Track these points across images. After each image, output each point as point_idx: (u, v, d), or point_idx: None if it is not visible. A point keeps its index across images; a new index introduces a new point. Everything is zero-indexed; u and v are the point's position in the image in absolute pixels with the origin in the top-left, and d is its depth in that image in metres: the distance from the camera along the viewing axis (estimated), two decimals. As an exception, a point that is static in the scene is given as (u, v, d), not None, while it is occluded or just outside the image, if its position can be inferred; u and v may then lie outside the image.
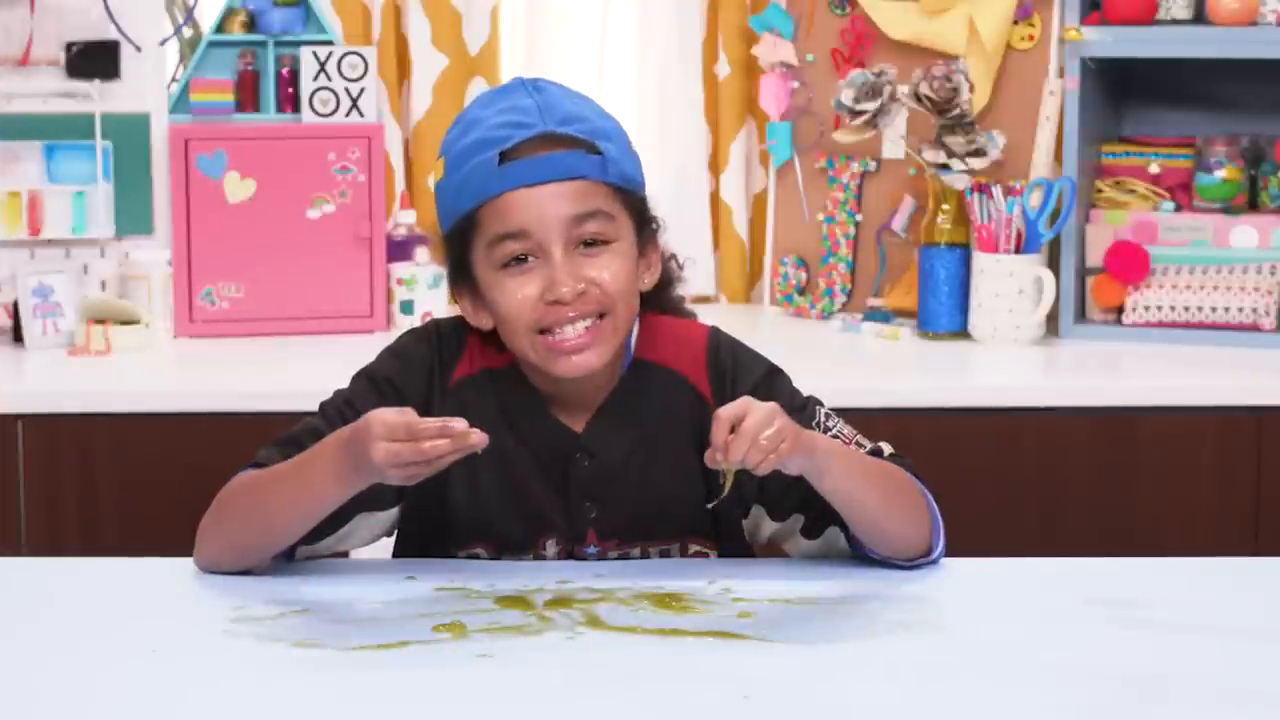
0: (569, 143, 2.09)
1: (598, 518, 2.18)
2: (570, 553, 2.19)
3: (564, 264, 2.07)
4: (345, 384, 2.21)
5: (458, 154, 2.11)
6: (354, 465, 1.99)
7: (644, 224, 2.16)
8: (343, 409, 2.16)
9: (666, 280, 2.25)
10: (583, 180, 2.08)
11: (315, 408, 2.21)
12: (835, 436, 2.15)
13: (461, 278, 2.15)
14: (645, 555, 2.19)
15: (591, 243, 2.09)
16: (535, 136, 2.08)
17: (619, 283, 2.10)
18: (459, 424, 1.94)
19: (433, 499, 2.18)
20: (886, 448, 2.18)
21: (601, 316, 2.09)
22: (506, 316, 2.10)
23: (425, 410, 2.17)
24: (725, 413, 1.96)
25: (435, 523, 2.18)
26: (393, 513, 2.19)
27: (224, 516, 2.11)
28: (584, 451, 2.17)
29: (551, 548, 2.18)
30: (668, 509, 2.18)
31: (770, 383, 2.19)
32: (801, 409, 2.18)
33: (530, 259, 2.09)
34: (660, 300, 2.24)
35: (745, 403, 1.97)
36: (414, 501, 2.19)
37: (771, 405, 1.98)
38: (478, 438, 1.94)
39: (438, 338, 2.20)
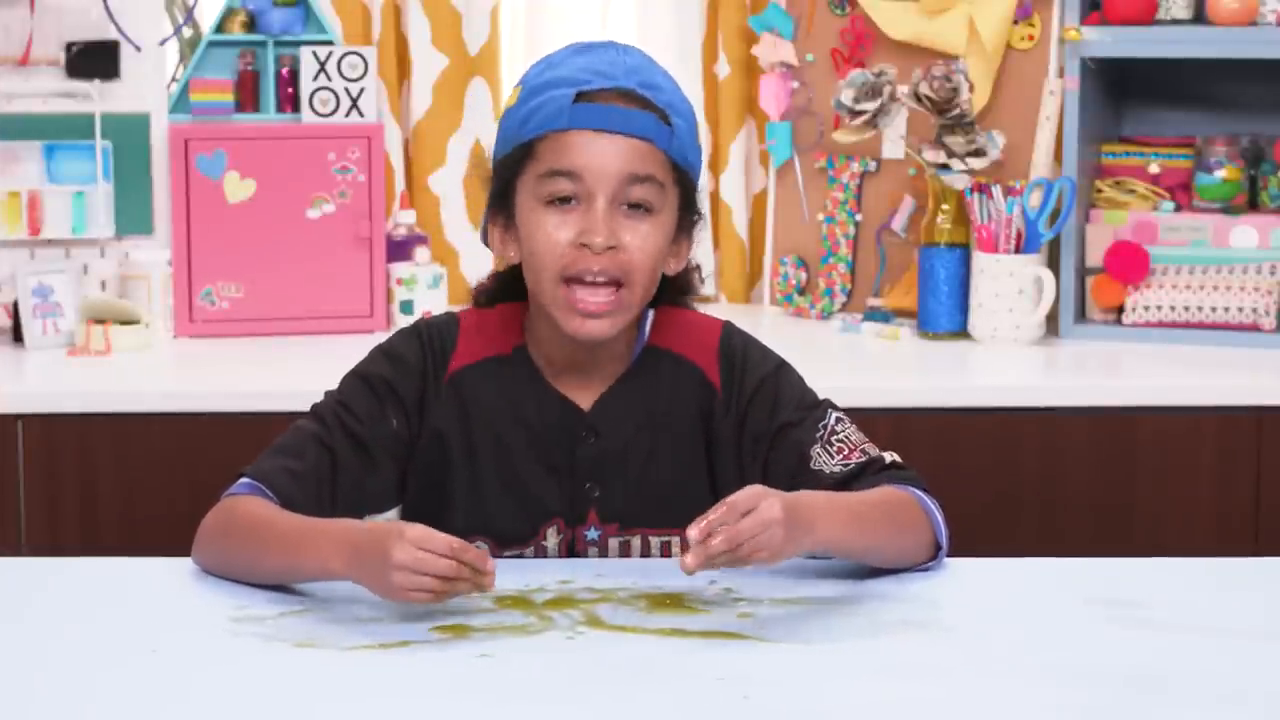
0: (645, 104, 2.11)
1: (600, 498, 2.18)
2: (571, 537, 2.19)
3: (605, 215, 2.09)
4: (343, 381, 2.22)
5: (536, 85, 2.13)
6: (358, 558, 1.94)
7: (688, 212, 2.18)
8: (338, 410, 2.17)
9: (686, 287, 2.26)
10: (648, 143, 2.10)
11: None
12: (841, 440, 2.17)
13: (500, 208, 2.17)
14: (646, 543, 2.20)
15: (636, 206, 2.11)
16: (615, 88, 2.11)
17: (647, 254, 2.11)
18: (491, 564, 1.92)
19: (433, 494, 2.18)
20: (889, 457, 2.18)
21: (620, 286, 2.10)
22: (536, 251, 2.11)
23: (420, 406, 2.17)
24: (737, 500, 1.91)
25: (435, 519, 2.17)
26: (393, 513, 2.20)
27: (224, 546, 2.09)
28: (589, 429, 2.18)
29: (552, 538, 2.19)
30: (670, 495, 2.19)
31: (779, 377, 2.21)
32: (812, 407, 2.19)
33: (574, 201, 2.10)
34: (675, 303, 2.26)
35: (753, 497, 1.93)
36: (413, 497, 2.19)
37: (773, 516, 1.92)
38: (490, 582, 1.92)
39: (427, 334, 2.21)
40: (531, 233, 2.12)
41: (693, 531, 1.89)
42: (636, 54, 2.17)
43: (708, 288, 3.88)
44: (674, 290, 2.24)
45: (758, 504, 1.91)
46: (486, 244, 2.21)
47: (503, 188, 2.16)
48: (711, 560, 1.90)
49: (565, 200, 2.10)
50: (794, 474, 2.15)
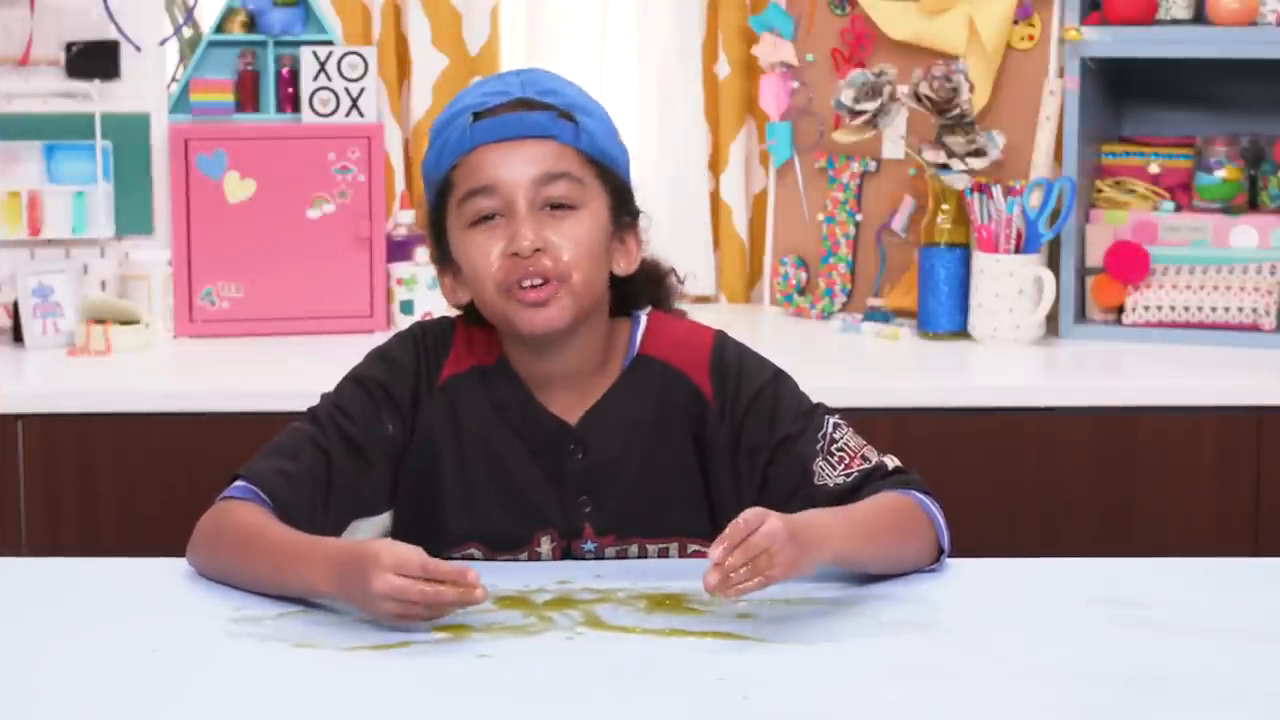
0: (543, 108, 2.12)
1: (593, 512, 2.18)
2: (566, 550, 2.19)
3: (527, 220, 2.09)
4: (339, 384, 2.22)
5: (439, 125, 2.16)
6: (343, 583, 1.94)
7: (622, 207, 2.17)
8: (333, 413, 2.17)
9: (666, 292, 2.26)
10: (553, 141, 2.11)
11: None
12: (841, 449, 2.16)
13: (444, 253, 2.18)
14: (643, 553, 2.20)
15: (559, 206, 2.11)
16: (511, 101, 2.13)
17: (580, 248, 2.11)
18: (473, 575, 1.90)
19: (425, 500, 2.18)
20: (891, 462, 2.17)
21: (558, 280, 2.10)
22: (474, 274, 2.12)
23: (414, 408, 2.17)
24: (747, 517, 1.90)
25: (428, 525, 2.17)
26: (387, 516, 2.20)
27: (216, 553, 2.09)
28: (578, 443, 2.17)
29: (546, 545, 2.18)
30: (664, 506, 2.18)
31: (776, 387, 2.19)
32: (809, 415, 2.18)
33: (498, 217, 2.11)
34: (655, 307, 2.25)
35: (760, 515, 1.92)
36: (406, 503, 2.19)
37: (777, 530, 1.91)
38: (481, 593, 1.91)
39: (422, 339, 2.21)
40: (466, 255, 2.13)
41: (715, 552, 1.88)
42: (539, 72, 2.18)
43: (708, 288, 3.89)
44: (650, 292, 2.24)
45: (763, 520, 1.91)
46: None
47: (439, 232, 2.17)
48: (732, 575, 1.88)
49: (489, 218, 2.11)
50: (796, 487, 2.14)
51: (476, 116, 2.11)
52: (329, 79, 3.58)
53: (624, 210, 2.18)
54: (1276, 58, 3.45)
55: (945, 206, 3.53)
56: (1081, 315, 3.56)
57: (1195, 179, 3.55)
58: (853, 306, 3.74)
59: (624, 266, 2.19)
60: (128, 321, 3.44)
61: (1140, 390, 3.19)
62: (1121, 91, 3.66)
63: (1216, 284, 3.47)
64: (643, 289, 2.23)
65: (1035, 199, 3.47)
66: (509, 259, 2.09)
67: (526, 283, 2.09)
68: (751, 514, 1.91)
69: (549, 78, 2.17)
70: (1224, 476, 3.14)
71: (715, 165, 3.92)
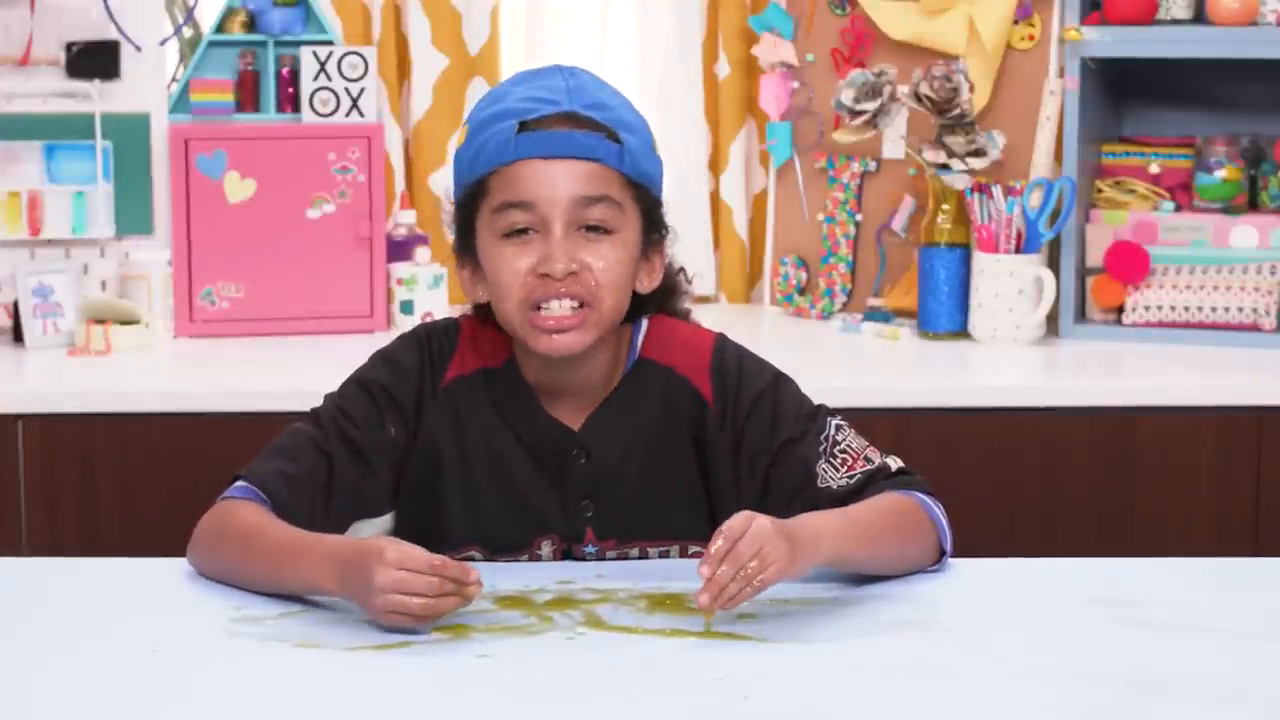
0: (590, 125, 2.10)
1: (594, 516, 2.18)
2: (567, 554, 2.19)
3: (562, 241, 2.08)
4: (342, 386, 2.21)
5: (480, 122, 2.13)
6: (345, 579, 1.94)
7: (653, 226, 2.16)
8: (336, 416, 2.16)
9: (672, 290, 2.25)
10: (597, 164, 2.09)
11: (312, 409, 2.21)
12: (843, 451, 2.15)
13: (466, 248, 2.16)
14: (644, 556, 2.20)
15: (595, 228, 2.09)
16: (558, 114, 2.09)
17: (611, 274, 2.10)
18: (475, 574, 1.91)
19: (426, 502, 2.18)
20: (894, 463, 2.16)
21: (586, 305, 2.09)
22: (498, 285, 2.11)
23: (418, 411, 2.17)
24: (732, 524, 1.90)
25: (429, 527, 2.17)
26: (389, 517, 2.20)
27: (217, 553, 2.09)
28: (580, 448, 2.17)
29: (547, 548, 2.18)
30: (666, 509, 2.18)
31: (776, 390, 2.18)
32: (811, 418, 2.17)
33: (531, 232, 2.09)
34: (664, 309, 2.24)
35: (746, 519, 1.92)
36: (407, 505, 2.19)
37: (765, 529, 1.91)
38: (474, 590, 1.91)
39: (427, 341, 2.20)
40: (494, 266, 2.11)
41: (703, 569, 1.88)
42: (582, 75, 2.15)
43: (708, 288, 3.89)
44: (660, 302, 2.23)
45: (749, 525, 1.91)
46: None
47: (464, 229, 2.15)
48: (723, 588, 1.88)
49: (522, 231, 2.09)
50: (799, 490, 2.14)
51: (522, 126, 2.08)
52: (329, 79, 3.59)
53: (653, 228, 2.16)
54: (1276, 58, 3.45)
55: (945, 206, 3.53)
56: (1081, 315, 3.56)
57: (1195, 179, 3.55)
58: (853, 306, 3.74)
59: (646, 285, 2.18)
60: (128, 321, 3.44)
61: (1140, 390, 3.19)
62: (1121, 91, 3.66)
63: (1216, 284, 3.47)
64: (653, 299, 2.22)
65: (1035, 199, 3.47)
66: (537, 277, 2.08)
67: (552, 304, 2.08)
68: (737, 520, 1.91)
69: (596, 86, 2.14)
70: (1224, 476, 3.14)
71: (715, 165, 3.92)
